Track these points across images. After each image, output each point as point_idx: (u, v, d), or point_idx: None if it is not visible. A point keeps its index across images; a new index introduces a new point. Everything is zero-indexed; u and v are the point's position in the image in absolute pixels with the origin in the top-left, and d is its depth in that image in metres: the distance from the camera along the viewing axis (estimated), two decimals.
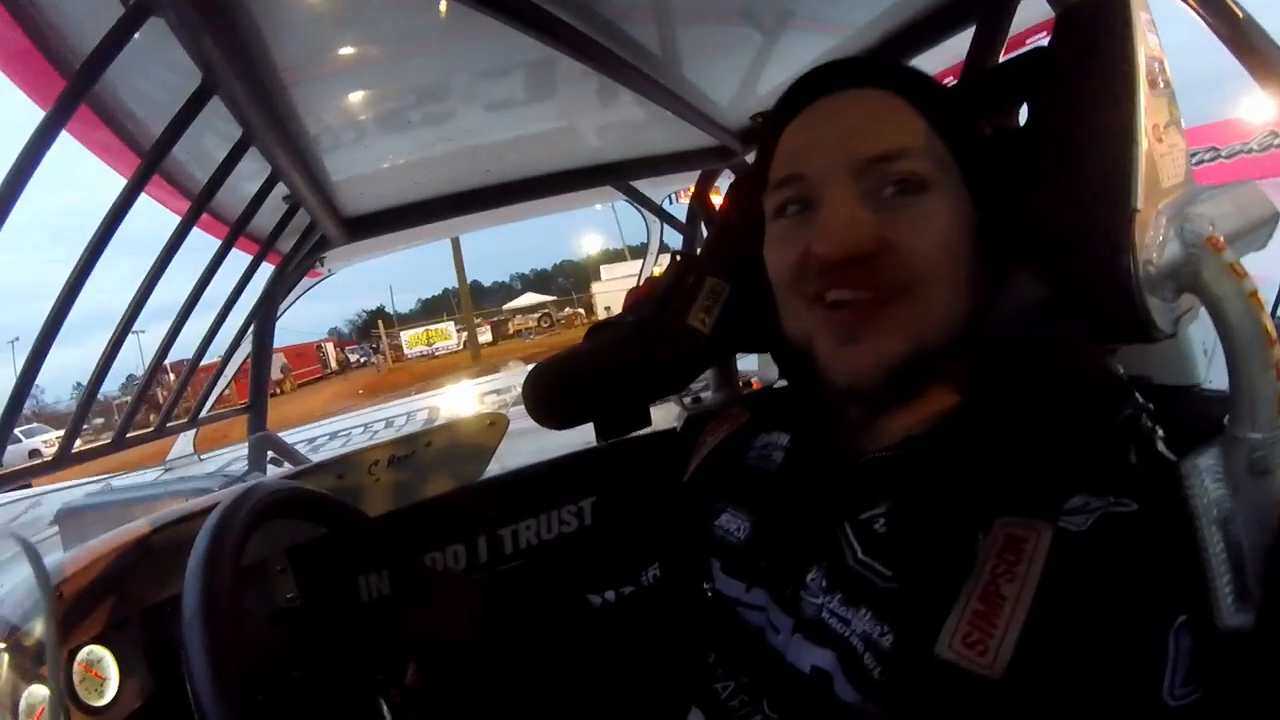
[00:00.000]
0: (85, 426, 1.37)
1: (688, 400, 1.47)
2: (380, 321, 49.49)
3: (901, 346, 0.57)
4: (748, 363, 1.87)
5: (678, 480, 0.89)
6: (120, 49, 0.79)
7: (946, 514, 0.55)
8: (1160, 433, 0.55)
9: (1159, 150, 0.52)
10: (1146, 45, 0.53)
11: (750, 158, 1.77)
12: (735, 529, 0.73)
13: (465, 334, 23.59)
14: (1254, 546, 0.48)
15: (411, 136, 1.39)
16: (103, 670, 0.85)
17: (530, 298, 46.81)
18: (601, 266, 41.40)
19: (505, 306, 45.46)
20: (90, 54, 0.80)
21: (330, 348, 39.42)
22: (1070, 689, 0.45)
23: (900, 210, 0.56)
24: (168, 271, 1.26)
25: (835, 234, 0.55)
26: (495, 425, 1.31)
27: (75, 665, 0.82)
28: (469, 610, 0.86)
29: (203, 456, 2.91)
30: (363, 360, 40.23)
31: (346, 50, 1.01)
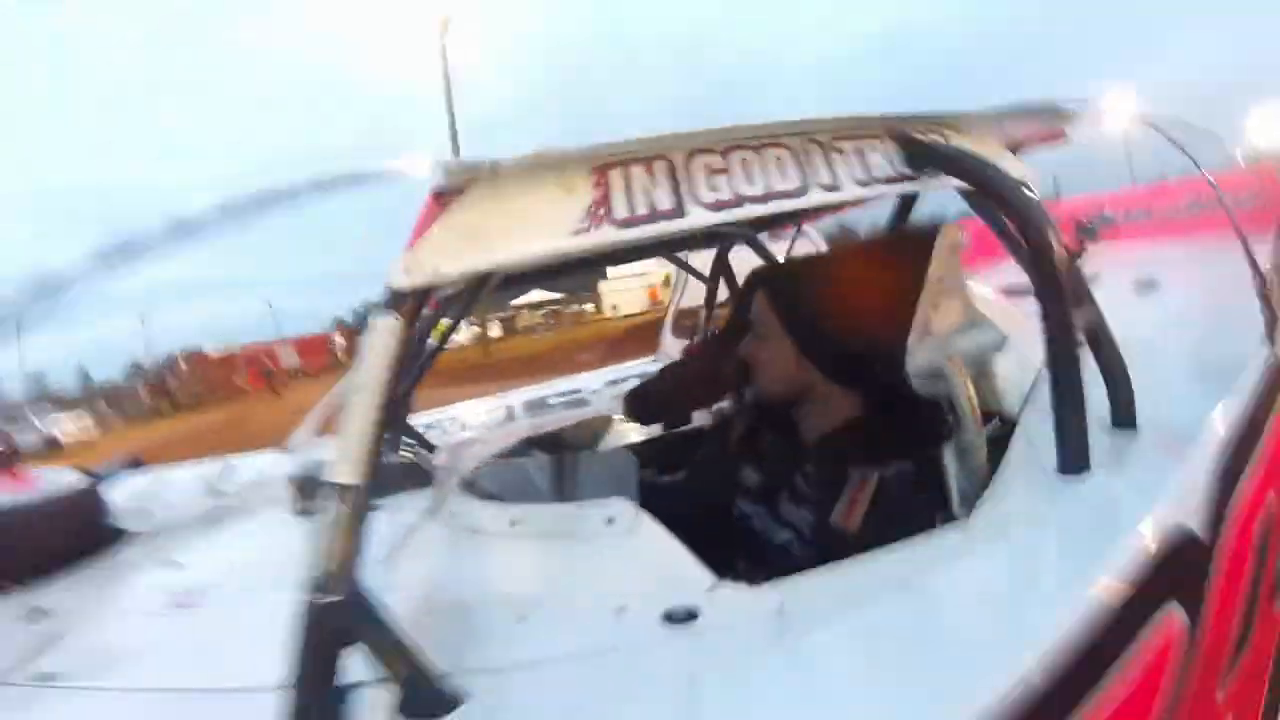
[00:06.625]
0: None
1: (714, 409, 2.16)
2: None
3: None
4: None
5: (713, 452, 1.47)
6: None
7: (837, 468, 1.06)
8: (947, 430, 1.05)
9: (933, 314, 1.03)
10: (941, 264, 1.04)
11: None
12: (751, 478, 1.27)
13: (475, 329, 23.60)
14: (968, 482, 1.00)
15: None
16: None
17: (537, 294, 46.59)
18: (608, 266, 40.99)
19: (512, 302, 44.95)
20: None
21: (338, 338, 39.26)
22: (883, 535, 0.93)
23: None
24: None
25: None
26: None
27: None
28: None
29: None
30: None
31: None
